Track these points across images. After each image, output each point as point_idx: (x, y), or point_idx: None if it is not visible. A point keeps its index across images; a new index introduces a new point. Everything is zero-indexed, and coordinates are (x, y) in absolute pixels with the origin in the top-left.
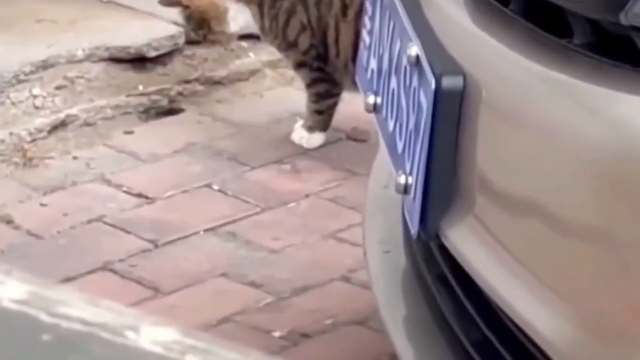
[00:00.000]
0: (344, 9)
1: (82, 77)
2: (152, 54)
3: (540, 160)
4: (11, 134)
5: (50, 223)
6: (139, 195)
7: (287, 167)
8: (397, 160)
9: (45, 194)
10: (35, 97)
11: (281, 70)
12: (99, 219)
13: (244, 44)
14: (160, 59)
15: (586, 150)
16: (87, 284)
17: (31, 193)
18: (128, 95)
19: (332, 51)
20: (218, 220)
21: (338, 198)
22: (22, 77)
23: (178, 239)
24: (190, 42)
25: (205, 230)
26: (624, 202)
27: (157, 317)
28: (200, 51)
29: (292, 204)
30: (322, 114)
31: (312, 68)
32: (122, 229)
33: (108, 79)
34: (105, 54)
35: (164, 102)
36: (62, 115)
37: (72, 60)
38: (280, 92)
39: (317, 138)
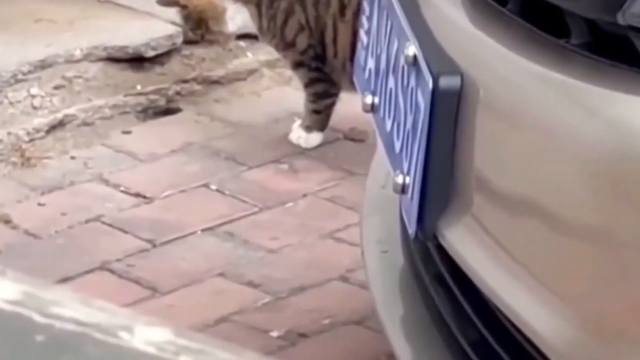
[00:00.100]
0: (342, 9)
1: (80, 77)
2: (150, 53)
3: (538, 160)
4: (9, 133)
5: (48, 223)
6: (137, 195)
7: (285, 166)
8: (395, 160)
9: (43, 193)
10: (33, 96)
11: (279, 70)
12: (97, 218)
13: (242, 43)
14: (158, 59)
15: (584, 150)
16: (85, 283)
17: (29, 193)
18: (126, 95)
19: (330, 51)
20: (216, 220)
21: (336, 198)
22: (20, 76)
23: (176, 238)
24: (188, 42)
25: (203, 230)
26: (621, 202)
27: (151, 317)
28: (198, 51)
29: (290, 204)
30: (320, 113)
31: (310, 68)
32: (120, 229)
33: (106, 79)
34: (104, 54)
35: (162, 102)
36: (60, 115)
37: (70, 60)
38: (278, 92)
39: (315, 138)
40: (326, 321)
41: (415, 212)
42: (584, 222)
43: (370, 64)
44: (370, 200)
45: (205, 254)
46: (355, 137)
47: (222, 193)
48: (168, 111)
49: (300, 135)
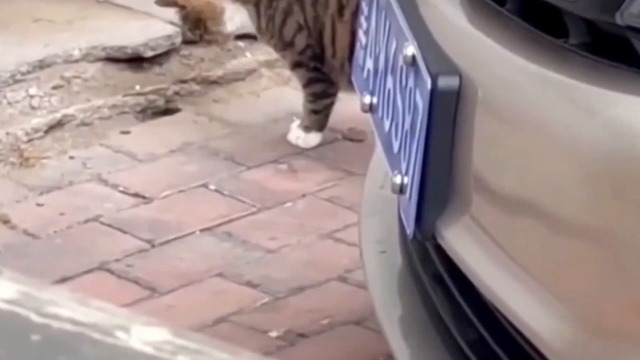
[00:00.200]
0: (341, 9)
1: (78, 77)
2: (149, 53)
3: (537, 160)
4: (8, 133)
5: (47, 223)
6: (136, 195)
7: (284, 167)
8: (393, 160)
9: (41, 193)
10: (32, 96)
11: (278, 70)
12: (96, 218)
13: (241, 43)
14: (157, 59)
15: (582, 151)
16: (83, 284)
17: (28, 193)
18: (125, 95)
19: (328, 51)
20: (214, 220)
21: (334, 198)
22: (18, 76)
23: (175, 238)
24: (186, 42)
25: (202, 230)
26: (620, 202)
27: (149, 317)
28: (197, 51)
29: (289, 204)
30: (318, 113)
31: (309, 68)
32: (119, 229)
33: (105, 79)
34: (102, 54)
35: (161, 102)
36: (58, 115)
37: (68, 60)
38: (277, 92)
39: (314, 138)
40: (325, 321)
41: (414, 212)
42: (582, 222)
43: (369, 64)
44: (369, 200)
45: (204, 254)
46: (353, 137)
47: (221, 193)
48: (167, 111)
49: (299, 136)
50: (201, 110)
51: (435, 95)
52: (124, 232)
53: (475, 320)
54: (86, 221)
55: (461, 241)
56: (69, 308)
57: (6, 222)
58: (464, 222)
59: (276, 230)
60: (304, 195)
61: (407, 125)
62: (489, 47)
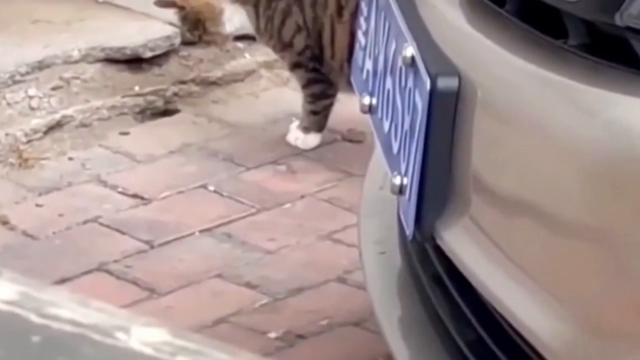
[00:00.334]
0: (340, 10)
1: (77, 78)
2: (148, 54)
3: (536, 161)
4: (7, 134)
5: (46, 224)
6: (135, 196)
7: (283, 168)
8: (393, 161)
9: (40, 194)
10: (31, 97)
11: (277, 71)
12: (95, 219)
13: (240, 44)
14: (156, 60)
15: (582, 151)
16: (82, 284)
17: (27, 194)
18: (124, 96)
19: (327, 52)
20: (214, 221)
21: (334, 199)
22: (17, 77)
23: (174, 239)
24: (186, 43)
25: (201, 231)
26: (619, 203)
27: (149, 318)
28: (196, 52)
29: (288, 205)
30: (317, 114)
31: (308, 69)
32: (118, 230)
33: (104, 80)
34: (101, 55)
35: (160, 103)
36: (57, 116)
37: (67, 61)
38: (276, 93)
39: (313, 139)
40: (324, 322)
41: (413, 213)
42: (581, 223)
43: (368, 65)
44: (368, 201)
45: (203, 255)
46: (353, 138)
47: (220, 194)
48: (166, 112)
49: (298, 137)
50: (200, 111)
51: (434, 96)
52: (123, 233)
53: (474, 320)
54: (85, 222)
55: (460, 242)
56: (68, 309)
57: (5, 223)
58: (463, 223)
59: (275, 231)
60: (303, 196)
61: (406, 126)
62: (489, 48)
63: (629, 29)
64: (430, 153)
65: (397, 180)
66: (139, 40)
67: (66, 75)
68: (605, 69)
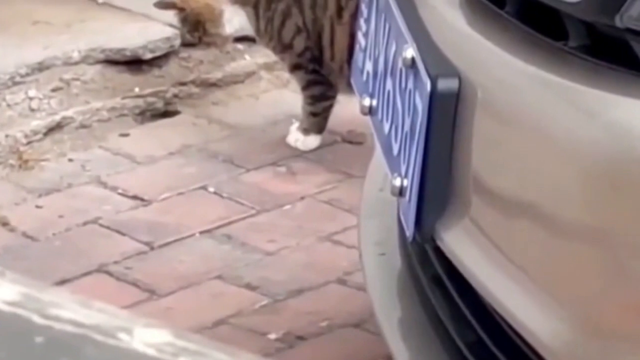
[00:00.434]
0: (339, 11)
1: (77, 79)
2: (148, 56)
3: (536, 162)
4: (7, 136)
5: (46, 225)
6: (135, 198)
7: (283, 169)
8: (393, 163)
9: (40, 196)
10: (31, 99)
11: (277, 72)
12: (95, 221)
13: (240, 46)
14: (156, 61)
15: (582, 153)
16: (82, 286)
17: (27, 195)
18: (124, 98)
19: (327, 53)
20: (213, 222)
21: (333, 200)
22: (17, 79)
23: (174, 241)
24: (185, 45)
25: (201, 233)
26: (619, 204)
27: (151, 319)
28: (196, 53)
29: (288, 206)
30: (317, 116)
31: (308, 70)
32: (118, 231)
33: (104, 81)
34: (101, 56)
35: (160, 104)
36: (57, 118)
37: (67, 62)
38: (276, 95)
39: (313, 140)
40: (324, 324)
41: (413, 214)
42: (581, 224)
43: (368, 66)
44: (368, 202)
45: (203, 257)
46: (353, 139)
47: (220, 195)
48: (166, 114)
49: (298, 138)
50: (200, 113)
51: (434, 97)
52: (123, 234)
53: (474, 322)
54: (85, 223)
55: (460, 243)
56: (71, 310)
57: (5, 224)
58: (464, 224)
59: (275, 232)
60: (303, 198)
61: (406, 128)
62: (489, 50)
63: (629, 30)
64: (431, 154)
65: (397, 182)
66: (139, 42)
67: (66, 76)
68: (605, 70)
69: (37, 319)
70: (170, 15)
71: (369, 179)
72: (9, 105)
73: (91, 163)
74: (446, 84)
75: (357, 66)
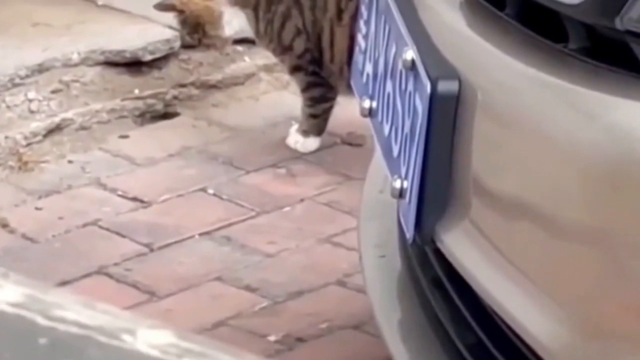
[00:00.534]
0: (339, 13)
1: (77, 81)
2: (148, 57)
3: (536, 164)
4: (7, 137)
5: (46, 227)
6: (134, 199)
7: (283, 171)
8: (393, 165)
9: (40, 197)
10: (30, 100)
11: (277, 74)
12: (94, 222)
13: (239, 48)
14: (156, 63)
15: (582, 155)
16: (82, 288)
17: (26, 197)
18: (123, 99)
19: (327, 55)
20: (213, 224)
21: (333, 202)
22: (17, 80)
23: (173, 243)
24: (185, 46)
25: (201, 234)
26: (619, 207)
27: (153, 320)
28: (196, 55)
29: (287, 208)
30: (317, 118)
31: (307, 72)
32: (118, 233)
33: (103, 83)
34: (101, 58)
35: (160, 106)
36: (57, 119)
37: (67, 64)
38: (276, 96)
39: (313, 142)
40: (324, 325)
41: (413, 216)
42: (582, 226)
43: (368, 68)
44: (368, 204)
45: (202, 258)
46: (352, 141)
47: (220, 197)
48: (165, 115)
49: (297, 140)
50: (200, 115)
51: (434, 99)
52: (123, 236)
53: (474, 324)
54: (85, 225)
55: (460, 245)
56: (74, 311)
57: (5, 226)
58: (464, 226)
59: (275, 234)
60: (302, 200)
61: (406, 130)
62: (489, 52)
63: (629, 32)
64: (431, 156)
65: (398, 184)
66: (138, 44)
67: (66, 78)
68: (605, 72)
69: (40, 320)
70: (170, 17)
71: (369, 180)
72: (8, 107)
73: (91, 165)
74: (446, 86)
75: (357, 68)
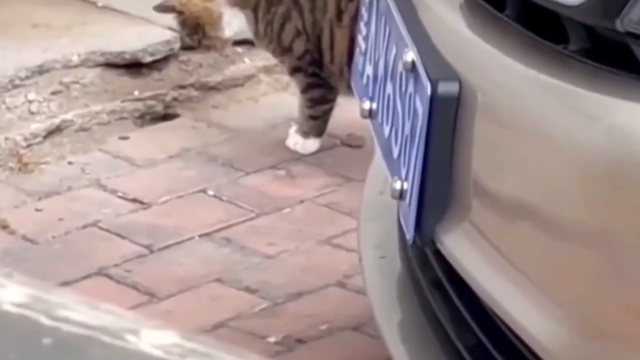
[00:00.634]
0: (339, 14)
1: (77, 82)
2: (148, 59)
3: (536, 166)
4: (7, 139)
5: (46, 228)
6: (134, 201)
7: (282, 172)
8: (393, 166)
9: (40, 199)
10: (30, 102)
11: (276, 75)
12: (94, 224)
13: (239, 49)
14: (156, 65)
15: (582, 156)
16: (82, 289)
17: (26, 198)
18: (123, 101)
19: (327, 56)
20: (213, 225)
21: (333, 204)
22: (17, 82)
23: (173, 244)
24: (185, 48)
25: (201, 236)
26: (619, 208)
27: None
28: (196, 57)
29: (287, 210)
30: (317, 119)
31: (307, 73)
32: (118, 234)
33: (103, 84)
34: (101, 59)
35: (159, 108)
36: (57, 121)
37: (67, 66)
38: (276, 98)
39: (312, 144)
40: (323, 327)
41: (413, 217)
42: (582, 228)
43: (368, 70)
44: (368, 206)
45: (202, 260)
46: (352, 143)
47: (220, 199)
48: (165, 117)
49: (297, 141)
50: (200, 116)
51: (435, 101)
52: (123, 237)
53: (474, 325)
54: (85, 226)
55: (460, 246)
56: (78, 311)
57: (5, 227)
58: (464, 227)
59: (275, 235)
60: (302, 201)
61: (406, 131)
62: (489, 53)
63: (630, 34)
64: (431, 158)
65: (398, 185)
66: (138, 45)
67: (66, 79)
68: (605, 74)
69: (44, 320)
70: (170, 19)
71: (369, 182)
72: (8, 109)
73: (91, 166)
74: (446, 88)
75: (357, 70)
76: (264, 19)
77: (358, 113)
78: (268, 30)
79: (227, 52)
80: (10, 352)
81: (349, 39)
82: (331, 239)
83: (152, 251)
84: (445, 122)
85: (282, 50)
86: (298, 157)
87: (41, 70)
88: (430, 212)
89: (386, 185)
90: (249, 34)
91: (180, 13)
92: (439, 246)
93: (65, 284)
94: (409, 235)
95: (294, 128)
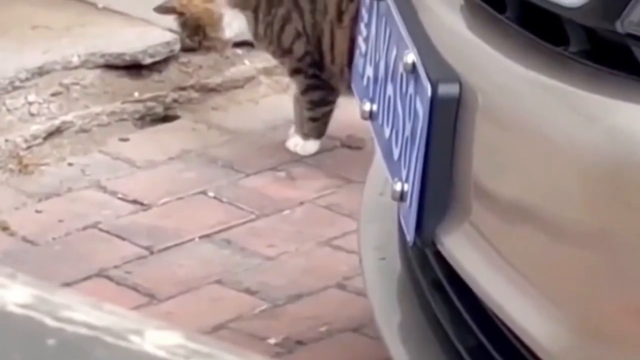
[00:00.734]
0: (339, 15)
1: (77, 84)
2: (148, 60)
3: (536, 167)
4: (7, 140)
5: (46, 229)
6: (135, 202)
7: (282, 174)
8: (393, 168)
9: (40, 200)
10: (30, 103)
11: (276, 77)
12: (94, 225)
13: (239, 51)
14: (156, 66)
15: (582, 158)
16: (82, 290)
17: (26, 200)
18: (123, 102)
19: (327, 58)
20: (213, 227)
21: (333, 205)
22: (17, 83)
23: (173, 245)
24: (185, 49)
25: (201, 237)
26: (620, 210)
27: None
28: (196, 58)
29: (287, 211)
30: (316, 121)
31: (307, 75)
32: (118, 236)
33: (103, 86)
34: (101, 61)
35: (160, 109)
36: (57, 122)
37: (67, 67)
38: (276, 100)
39: (312, 145)
40: (323, 328)
41: (414, 219)
42: (582, 229)
43: (369, 71)
44: (368, 207)
45: (202, 261)
46: (352, 144)
47: (220, 200)
48: (165, 118)
49: (297, 143)
50: (200, 118)
51: (435, 102)
52: (123, 238)
53: (474, 326)
54: (85, 228)
55: (461, 248)
56: (82, 312)
57: (5, 228)
58: (464, 229)
59: (275, 237)
60: (302, 203)
61: (407, 133)
62: (489, 55)
63: (630, 35)
64: (431, 159)
65: (398, 187)
66: (138, 47)
67: (66, 81)
68: (606, 75)
69: (49, 321)
70: (170, 20)
71: (369, 183)
72: (8, 110)
73: (91, 167)
74: (447, 89)
75: (357, 71)
76: (264, 20)
77: (358, 114)
78: (268, 31)
79: (227, 53)
80: (15, 352)
81: (349, 39)
82: (331, 240)
83: (152, 252)
84: (446, 123)
85: (282, 52)
86: (298, 159)
87: (41, 71)
88: (430, 214)
89: (386, 186)
90: (249, 36)
91: (180, 14)
92: (439, 247)
93: (65, 285)
94: (410, 236)
95: (294, 129)
